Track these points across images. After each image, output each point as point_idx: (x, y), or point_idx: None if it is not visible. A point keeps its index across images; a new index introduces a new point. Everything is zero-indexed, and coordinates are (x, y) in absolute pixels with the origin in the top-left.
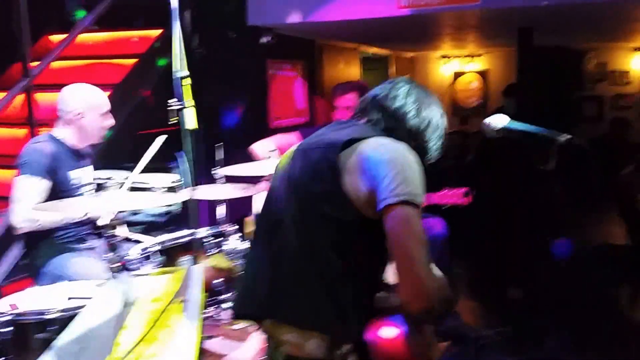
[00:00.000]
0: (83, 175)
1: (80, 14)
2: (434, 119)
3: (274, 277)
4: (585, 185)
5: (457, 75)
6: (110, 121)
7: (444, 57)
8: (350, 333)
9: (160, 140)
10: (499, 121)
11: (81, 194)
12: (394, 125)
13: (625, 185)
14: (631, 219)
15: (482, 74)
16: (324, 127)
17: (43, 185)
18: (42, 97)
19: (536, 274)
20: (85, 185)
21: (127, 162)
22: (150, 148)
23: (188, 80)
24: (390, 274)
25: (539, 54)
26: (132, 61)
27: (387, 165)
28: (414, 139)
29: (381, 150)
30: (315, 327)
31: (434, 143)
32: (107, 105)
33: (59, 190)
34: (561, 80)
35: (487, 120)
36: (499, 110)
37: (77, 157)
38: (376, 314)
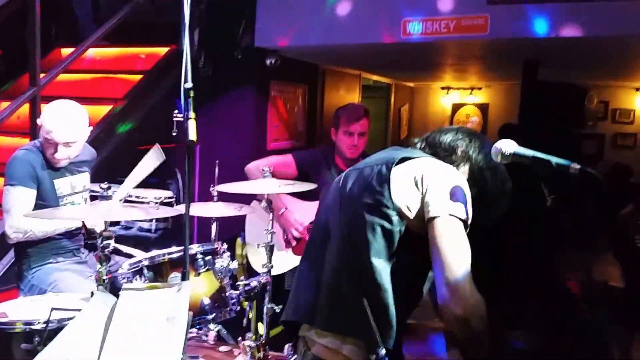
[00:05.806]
0: (73, 183)
1: None
2: (506, 184)
3: (316, 284)
4: (593, 217)
5: (457, 107)
6: (60, 156)
7: (444, 88)
8: (386, 340)
9: (157, 152)
10: (509, 146)
11: (69, 203)
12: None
13: (622, 224)
14: (626, 260)
15: (482, 107)
16: (375, 153)
17: (29, 193)
18: None
19: (533, 315)
20: (76, 193)
21: (125, 176)
22: (147, 159)
23: (192, 94)
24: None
25: (541, 88)
26: (138, 77)
27: (438, 180)
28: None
29: (434, 166)
30: (351, 333)
31: (496, 200)
32: (61, 139)
33: (42, 198)
34: (562, 116)
35: (498, 145)
36: None
37: (57, 167)
38: (414, 328)
